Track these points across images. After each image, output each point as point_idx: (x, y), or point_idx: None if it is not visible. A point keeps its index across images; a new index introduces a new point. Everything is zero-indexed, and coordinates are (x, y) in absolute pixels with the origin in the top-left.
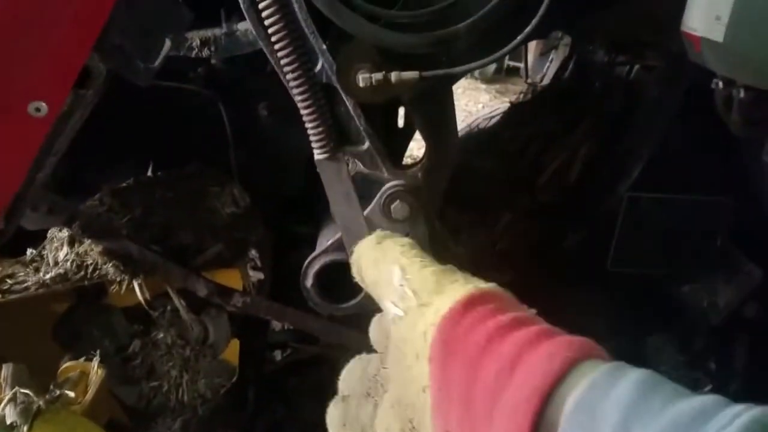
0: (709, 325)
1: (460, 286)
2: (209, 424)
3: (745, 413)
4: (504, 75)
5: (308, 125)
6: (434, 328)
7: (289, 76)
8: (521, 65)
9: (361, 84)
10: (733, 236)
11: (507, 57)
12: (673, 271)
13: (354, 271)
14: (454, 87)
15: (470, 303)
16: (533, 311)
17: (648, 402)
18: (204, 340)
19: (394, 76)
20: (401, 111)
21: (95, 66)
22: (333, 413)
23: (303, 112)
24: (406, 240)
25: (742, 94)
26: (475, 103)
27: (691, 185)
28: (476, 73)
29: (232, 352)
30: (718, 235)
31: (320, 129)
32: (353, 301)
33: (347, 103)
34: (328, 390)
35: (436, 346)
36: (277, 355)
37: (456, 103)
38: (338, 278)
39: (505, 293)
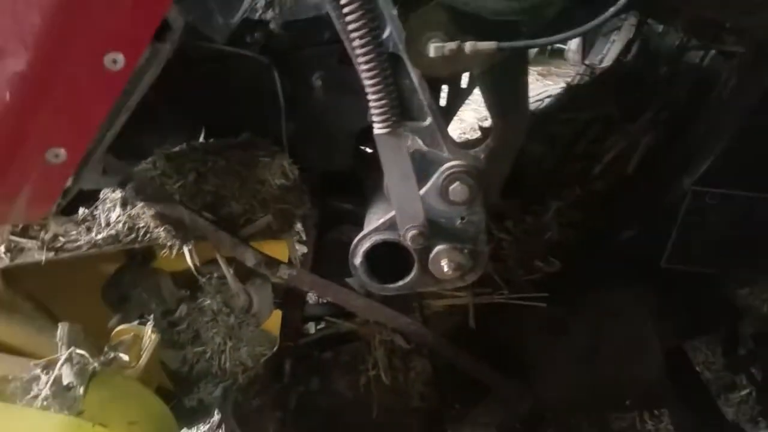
0: (760, 331)
1: None
2: (246, 393)
3: None
4: (547, 56)
5: (371, 97)
6: None
7: (355, 43)
8: (566, 47)
9: (432, 54)
10: None
11: None
12: (732, 271)
13: None
14: None
15: None
16: None
17: None
18: (248, 309)
19: (468, 46)
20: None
21: (175, 18)
22: None
23: (367, 83)
24: None
25: None
26: None
27: (761, 183)
28: None
29: (273, 322)
30: None
31: (383, 102)
32: (402, 282)
33: (412, 75)
34: (361, 365)
35: None
36: (311, 327)
37: None
38: (385, 257)
39: None
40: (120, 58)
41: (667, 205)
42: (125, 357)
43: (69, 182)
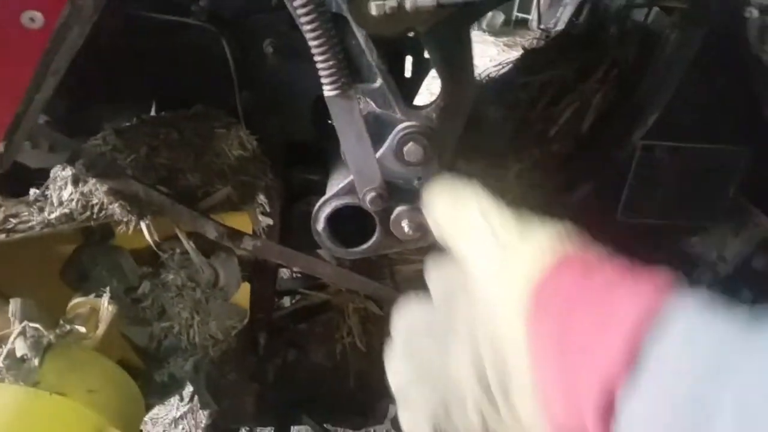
0: (715, 279)
1: (543, 237)
2: (221, 367)
3: None
4: (512, 27)
5: (317, 59)
6: (528, 286)
7: (296, 3)
8: (530, 17)
9: (374, 12)
10: (745, 187)
11: (516, 8)
12: (683, 221)
13: (427, 216)
14: None
15: (561, 267)
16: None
17: (749, 331)
18: (215, 282)
19: (409, 3)
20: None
21: None
22: (400, 367)
23: (312, 44)
24: (476, 186)
25: None
26: (483, 56)
27: (707, 134)
28: (484, 24)
29: (243, 295)
30: (731, 186)
31: (330, 63)
32: (365, 246)
33: (358, 36)
34: (336, 334)
35: (532, 308)
36: (286, 301)
37: None
38: (349, 222)
39: (584, 241)
40: (38, 16)
41: (620, 160)
42: (82, 329)
43: (0, 148)
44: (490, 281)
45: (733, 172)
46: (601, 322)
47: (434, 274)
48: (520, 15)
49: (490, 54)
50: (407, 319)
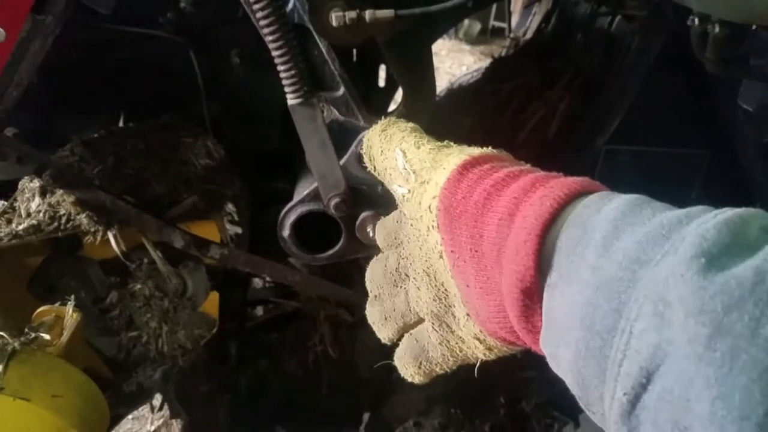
0: None
1: (455, 157)
2: (192, 378)
3: (730, 210)
4: (489, 36)
5: (280, 68)
6: (436, 199)
7: (258, 15)
8: (506, 25)
9: (334, 23)
10: (707, 187)
11: (492, 17)
12: None
13: (366, 162)
14: (438, 49)
15: (465, 169)
16: (528, 165)
17: (638, 213)
18: (183, 292)
19: (368, 14)
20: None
21: None
22: (372, 312)
23: (274, 54)
24: (409, 125)
25: (717, 29)
26: (459, 65)
27: (669, 137)
28: (460, 33)
29: (212, 304)
30: (693, 188)
31: (293, 72)
32: (330, 251)
33: (321, 46)
34: (308, 342)
35: (440, 214)
36: (259, 311)
37: (440, 65)
38: (315, 228)
39: (499, 153)
40: (0, 31)
41: (585, 164)
42: (46, 336)
43: None
44: (407, 208)
45: (694, 175)
46: (507, 222)
47: (378, 227)
48: (497, 24)
49: (467, 62)
50: (368, 273)
